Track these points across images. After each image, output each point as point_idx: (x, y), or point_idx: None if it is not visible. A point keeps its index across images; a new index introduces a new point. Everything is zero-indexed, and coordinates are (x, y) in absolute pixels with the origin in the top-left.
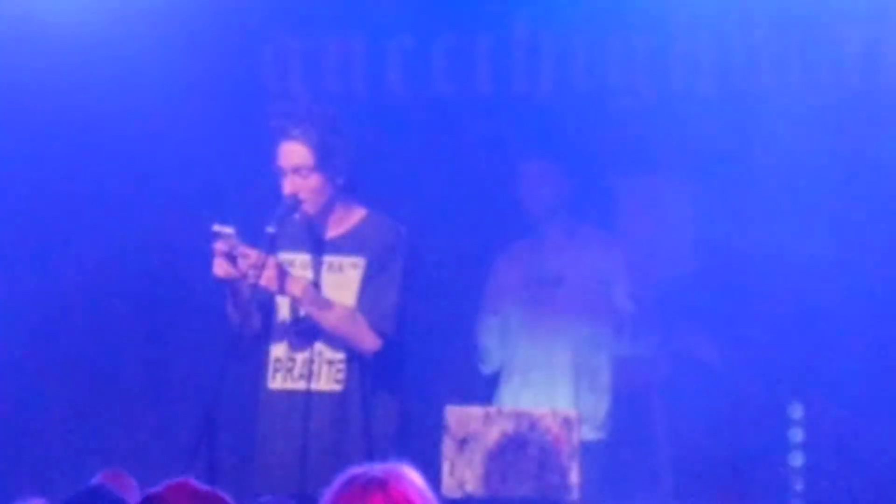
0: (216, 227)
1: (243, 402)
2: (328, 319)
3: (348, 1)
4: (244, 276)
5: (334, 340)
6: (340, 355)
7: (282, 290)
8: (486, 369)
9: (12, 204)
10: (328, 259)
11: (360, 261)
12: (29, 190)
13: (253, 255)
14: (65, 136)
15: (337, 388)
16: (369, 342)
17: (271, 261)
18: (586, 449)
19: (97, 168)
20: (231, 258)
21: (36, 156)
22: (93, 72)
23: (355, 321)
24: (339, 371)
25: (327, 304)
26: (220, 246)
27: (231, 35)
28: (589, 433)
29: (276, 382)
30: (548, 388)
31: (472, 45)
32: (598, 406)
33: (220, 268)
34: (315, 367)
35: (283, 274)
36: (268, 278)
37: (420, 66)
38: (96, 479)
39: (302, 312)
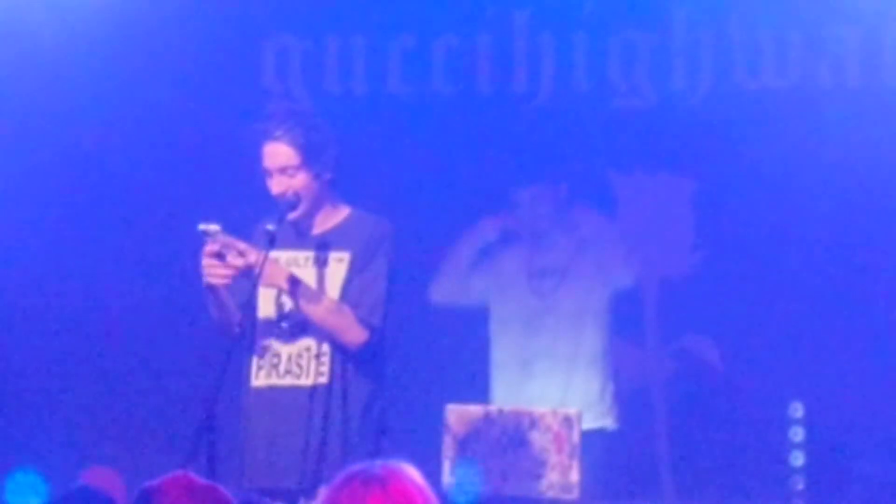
0: (202, 226)
1: (239, 398)
2: (316, 311)
3: (349, 1)
4: (235, 271)
5: (321, 334)
6: (326, 348)
7: (270, 282)
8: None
9: (9, 204)
10: (315, 255)
11: (345, 255)
12: (27, 190)
13: (241, 246)
14: (64, 136)
15: (323, 381)
16: (356, 334)
17: (260, 254)
18: (590, 438)
19: (97, 167)
20: (220, 256)
21: (35, 155)
22: (93, 70)
23: (342, 313)
24: (323, 364)
25: (315, 296)
26: (209, 248)
27: (232, 35)
28: (594, 421)
29: (260, 380)
30: (553, 377)
31: (472, 44)
32: (604, 393)
33: (211, 271)
34: (303, 362)
35: (270, 265)
36: (256, 271)
37: (420, 66)
38: (80, 480)
39: (287, 307)
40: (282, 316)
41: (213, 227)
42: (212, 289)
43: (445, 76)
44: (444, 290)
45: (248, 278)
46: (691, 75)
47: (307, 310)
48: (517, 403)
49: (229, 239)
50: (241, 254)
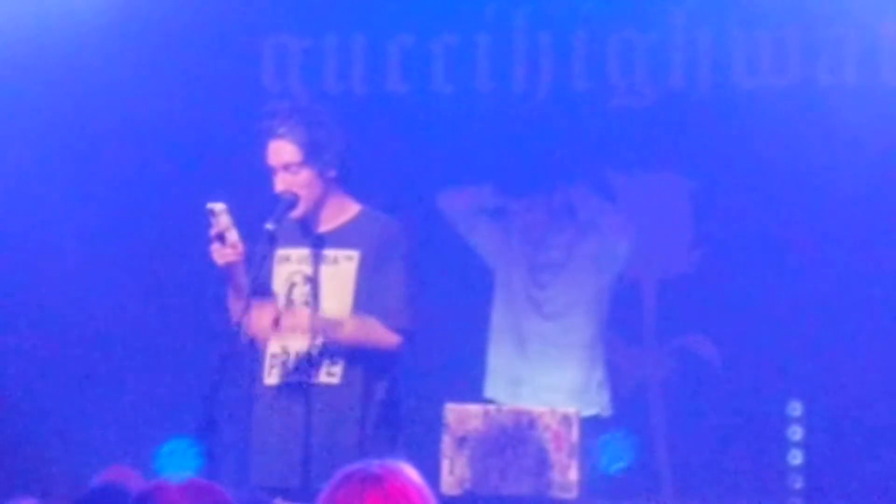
0: (209, 205)
1: (243, 397)
2: (343, 334)
3: (348, 0)
4: (235, 256)
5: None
6: (339, 348)
7: (291, 332)
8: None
9: (10, 199)
10: (323, 253)
11: (354, 253)
12: (27, 191)
13: (233, 237)
14: (63, 135)
15: (333, 381)
16: (389, 341)
17: (264, 306)
18: (585, 427)
19: (95, 167)
20: (220, 238)
21: (32, 155)
22: (93, 70)
23: (369, 326)
24: (335, 364)
25: (336, 324)
26: (212, 230)
27: (231, 34)
28: (587, 409)
29: (272, 378)
30: (546, 362)
31: (471, 43)
32: (589, 381)
33: (217, 254)
34: (313, 360)
35: (287, 316)
36: (266, 324)
37: (420, 65)
38: (101, 478)
39: (297, 305)
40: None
41: (218, 206)
42: (227, 272)
43: (445, 75)
44: (452, 203)
45: (256, 280)
46: (690, 74)
47: (336, 337)
48: (510, 376)
49: (229, 225)
50: (232, 246)
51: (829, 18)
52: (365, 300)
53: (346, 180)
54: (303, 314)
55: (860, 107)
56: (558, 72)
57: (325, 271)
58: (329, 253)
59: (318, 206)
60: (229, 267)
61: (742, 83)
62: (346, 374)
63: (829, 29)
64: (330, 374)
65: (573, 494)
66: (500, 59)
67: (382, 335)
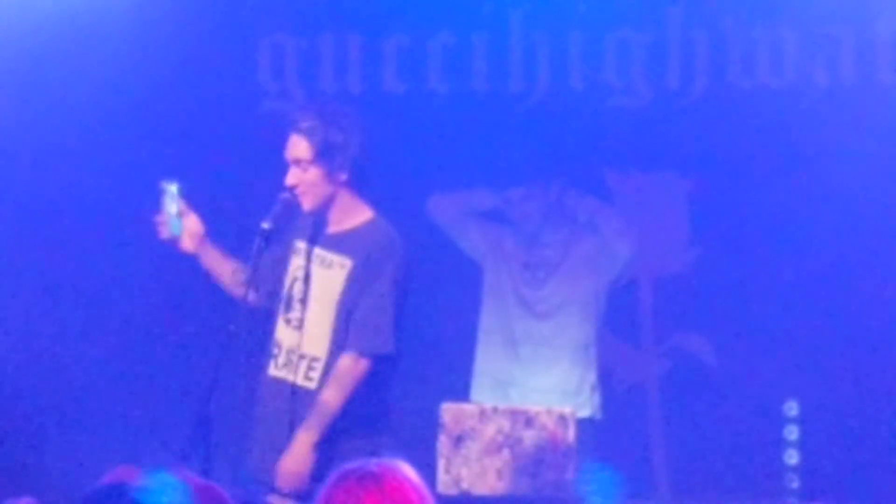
0: (163, 183)
1: (239, 393)
2: (337, 409)
3: None
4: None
5: (317, 337)
6: (320, 354)
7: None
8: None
9: (8, 199)
10: (321, 253)
11: (347, 262)
12: (24, 190)
13: (161, 218)
14: (58, 135)
15: (311, 385)
16: (361, 372)
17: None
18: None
19: (92, 166)
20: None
21: (31, 156)
22: (90, 68)
23: (343, 383)
24: (312, 370)
25: (327, 410)
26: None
27: (227, 33)
28: (580, 411)
29: (271, 370)
30: (538, 364)
31: (468, 43)
32: (582, 384)
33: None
34: (294, 359)
35: (290, 455)
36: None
37: (416, 64)
38: (107, 477)
39: (294, 301)
40: (288, 309)
41: (171, 187)
42: (204, 260)
43: (441, 74)
44: (441, 209)
45: (274, 270)
46: (686, 74)
47: (335, 413)
48: (499, 378)
49: (167, 205)
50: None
51: (825, 18)
52: (347, 312)
53: (359, 185)
54: (301, 443)
55: (857, 107)
56: (555, 71)
57: (321, 273)
58: (328, 256)
59: (324, 206)
60: (198, 251)
61: (738, 83)
62: (323, 380)
63: (825, 29)
64: (308, 379)
65: (569, 494)
66: (496, 58)
67: (356, 375)
